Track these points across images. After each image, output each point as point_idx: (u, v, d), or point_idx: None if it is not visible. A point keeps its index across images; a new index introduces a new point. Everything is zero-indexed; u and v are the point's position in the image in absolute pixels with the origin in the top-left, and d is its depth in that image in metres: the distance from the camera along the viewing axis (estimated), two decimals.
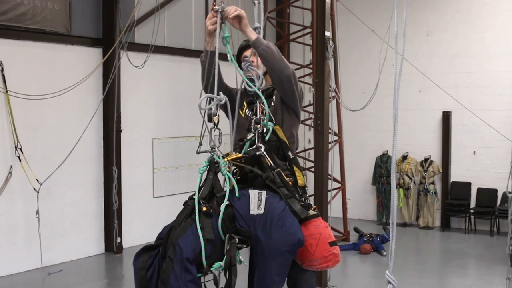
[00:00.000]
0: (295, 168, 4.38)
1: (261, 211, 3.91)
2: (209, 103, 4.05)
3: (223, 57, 4.32)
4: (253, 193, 3.99)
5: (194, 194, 4.02)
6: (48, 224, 11.23)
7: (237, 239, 3.88)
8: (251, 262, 4.21)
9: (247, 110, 4.62)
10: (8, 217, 10.91)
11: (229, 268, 3.87)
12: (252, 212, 3.90)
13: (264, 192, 4.02)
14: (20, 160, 10.78)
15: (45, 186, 10.80)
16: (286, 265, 3.99)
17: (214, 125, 4.02)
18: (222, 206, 3.88)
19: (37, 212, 10.60)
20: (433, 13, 15.46)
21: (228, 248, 3.85)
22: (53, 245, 11.44)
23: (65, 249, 11.83)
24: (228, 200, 3.93)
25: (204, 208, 3.85)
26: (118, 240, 12.58)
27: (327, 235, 4.09)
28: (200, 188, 4.01)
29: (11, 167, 10.81)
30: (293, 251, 3.94)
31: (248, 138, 4.24)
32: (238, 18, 4.24)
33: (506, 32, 14.35)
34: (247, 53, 4.70)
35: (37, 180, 10.75)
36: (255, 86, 4.14)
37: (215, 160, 4.02)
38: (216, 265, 3.83)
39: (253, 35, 4.32)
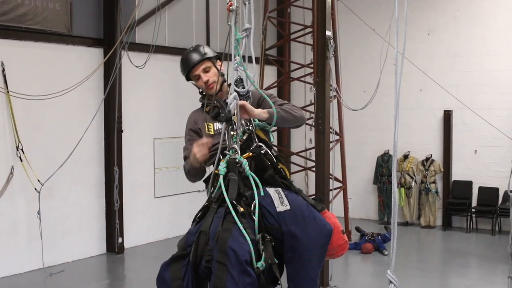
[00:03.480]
0: (280, 164, 4.40)
1: (288, 207, 3.90)
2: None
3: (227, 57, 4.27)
4: (271, 191, 3.99)
5: (215, 197, 3.94)
6: (50, 224, 11.25)
7: (269, 237, 3.83)
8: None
9: (218, 124, 4.63)
10: (10, 218, 10.92)
11: (270, 267, 3.81)
12: (278, 209, 3.88)
13: (279, 189, 4.04)
14: (21, 161, 10.79)
15: (46, 186, 10.81)
16: (324, 256, 4.06)
17: (234, 125, 4.01)
18: (256, 206, 3.84)
19: (39, 213, 10.61)
20: (434, 11, 15.46)
21: (263, 247, 3.79)
22: (54, 246, 11.45)
23: (67, 250, 11.83)
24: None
25: (241, 209, 3.80)
26: (120, 240, 12.58)
27: (338, 224, 4.20)
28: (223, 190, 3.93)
29: (13, 167, 10.82)
30: (329, 241, 4.02)
31: (242, 139, 4.18)
32: (243, 109, 4.12)
33: (507, 30, 14.35)
34: (197, 71, 4.69)
35: (39, 181, 10.75)
36: (243, 87, 4.10)
37: (237, 160, 3.98)
38: (259, 264, 3.75)
39: (264, 114, 4.29)
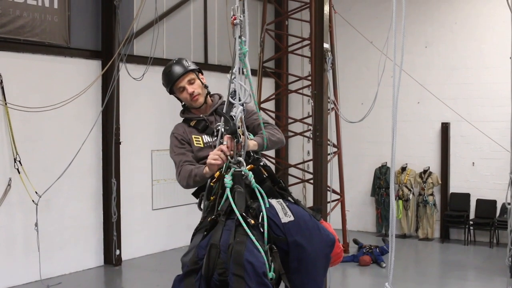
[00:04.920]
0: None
1: (291, 218, 3.91)
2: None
3: (225, 70, 4.24)
4: (274, 202, 4.00)
5: (222, 209, 3.90)
6: (47, 236, 11.21)
7: (276, 249, 3.83)
8: None
9: (206, 137, 4.65)
10: (7, 230, 10.88)
11: (280, 277, 3.84)
12: (283, 220, 3.89)
13: (281, 200, 4.06)
14: (19, 173, 10.78)
15: (44, 198, 10.79)
16: (328, 265, 4.11)
17: (240, 138, 4.00)
18: (265, 218, 3.85)
19: (36, 225, 10.59)
20: (431, 24, 15.50)
21: (271, 258, 3.80)
22: (52, 258, 11.41)
23: (64, 262, 11.80)
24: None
25: (252, 222, 3.79)
26: (117, 252, 12.54)
27: (335, 233, 4.23)
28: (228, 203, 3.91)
29: (10, 179, 10.80)
30: (332, 251, 4.06)
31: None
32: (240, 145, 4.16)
33: (504, 43, 14.31)
34: (182, 83, 4.70)
35: (36, 193, 10.74)
36: (239, 99, 4.09)
37: (243, 173, 3.97)
38: (270, 275, 3.76)
39: (255, 147, 4.35)
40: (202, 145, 4.63)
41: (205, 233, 3.92)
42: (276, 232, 3.88)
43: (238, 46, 4.04)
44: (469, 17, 15.07)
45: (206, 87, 4.80)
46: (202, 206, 4.43)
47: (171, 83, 4.77)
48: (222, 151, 4.10)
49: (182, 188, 4.66)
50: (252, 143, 4.31)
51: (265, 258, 3.71)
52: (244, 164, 4.01)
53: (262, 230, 3.82)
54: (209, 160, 4.17)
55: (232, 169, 3.99)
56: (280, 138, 4.66)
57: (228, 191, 3.91)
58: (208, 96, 4.83)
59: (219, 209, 3.94)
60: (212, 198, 4.21)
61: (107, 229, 12.55)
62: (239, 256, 3.64)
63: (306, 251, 3.89)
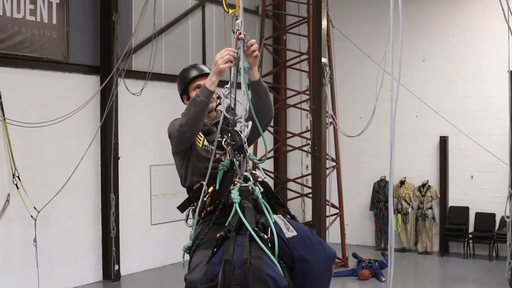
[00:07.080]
0: None
1: (295, 233, 3.91)
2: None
3: (223, 84, 4.24)
4: (275, 217, 3.99)
5: (232, 225, 3.85)
6: (46, 251, 11.18)
7: (283, 263, 3.81)
8: None
9: (205, 140, 4.66)
10: (6, 245, 10.85)
11: None
12: (287, 235, 3.89)
13: (280, 215, 4.06)
14: (17, 188, 10.76)
15: (42, 213, 10.77)
16: (331, 278, 4.10)
17: (246, 153, 4.00)
18: (274, 233, 3.83)
19: (35, 240, 10.56)
20: (429, 38, 15.55)
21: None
22: (50, 273, 11.37)
23: (63, 277, 11.75)
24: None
25: (265, 237, 3.78)
26: (116, 267, 12.50)
27: None
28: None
29: (9, 195, 10.78)
30: (333, 264, 4.10)
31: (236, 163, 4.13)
32: (254, 57, 4.22)
33: (501, 56, 14.37)
34: (203, 82, 4.59)
35: (35, 208, 10.71)
36: (235, 114, 4.10)
37: (250, 188, 3.96)
38: None
39: (258, 74, 4.36)
40: (200, 145, 4.65)
41: (215, 249, 3.87)
42: (282, 247, 3.85)
43: (241, 60, 4.07)
44: (467, 31, 15.13)
45: (219, 97, 4.81)
46: (189, 222, 4.46)
47: (193, 75, 4.83)
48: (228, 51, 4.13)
49: (184, 136, 4.55)
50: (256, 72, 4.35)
51: (281, 272, 3.68)
52: (251, 179, 4.01)
53: (269, 245, 3.79)
54: (220, 66, 4.16)
55: (239, 184, 3.98)
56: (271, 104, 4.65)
57: (237, 206, 3.87)
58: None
59: (226, 224, 3.89)
60: (203, 214, 4.22)
61: (106, 244, 12.51)
62: (259, 271, 3.60)
63: (311, 265, 3.89)
